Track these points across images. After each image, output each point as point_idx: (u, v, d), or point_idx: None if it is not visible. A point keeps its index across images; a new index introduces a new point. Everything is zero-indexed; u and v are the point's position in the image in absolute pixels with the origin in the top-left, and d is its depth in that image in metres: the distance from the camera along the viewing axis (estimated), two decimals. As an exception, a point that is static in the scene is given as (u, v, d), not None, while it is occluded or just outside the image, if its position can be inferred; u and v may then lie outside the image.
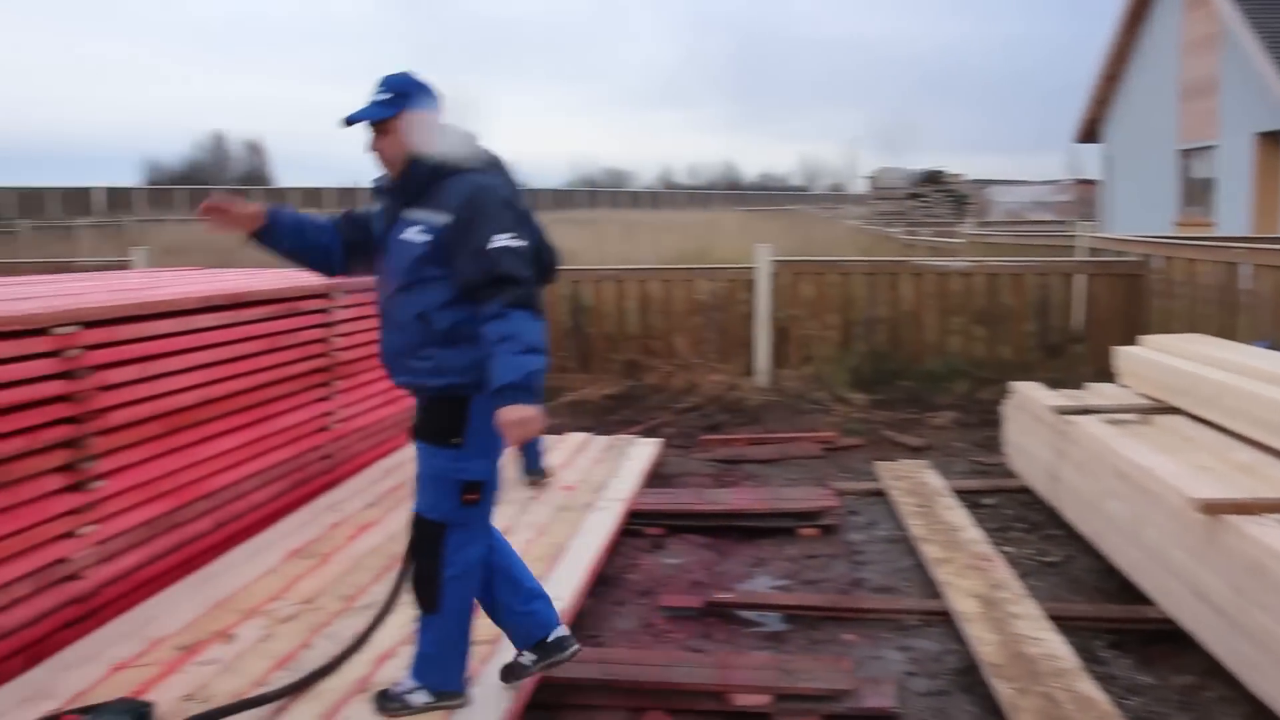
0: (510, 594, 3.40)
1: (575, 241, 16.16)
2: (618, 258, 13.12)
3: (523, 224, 3.13)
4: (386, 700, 3.26)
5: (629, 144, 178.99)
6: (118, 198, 42.49)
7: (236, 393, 5.08)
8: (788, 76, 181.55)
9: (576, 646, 3.45)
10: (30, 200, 40.83)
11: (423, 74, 3.14)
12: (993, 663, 3.91)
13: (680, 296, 9.62)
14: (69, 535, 4.00)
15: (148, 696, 3.30)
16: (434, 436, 3.15)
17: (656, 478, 6.78)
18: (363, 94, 3.13)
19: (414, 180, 3.10)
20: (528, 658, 3.42)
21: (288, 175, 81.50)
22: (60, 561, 3.96)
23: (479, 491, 3.18)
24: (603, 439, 7.31)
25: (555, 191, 60.58)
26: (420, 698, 3.27)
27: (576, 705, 3.71)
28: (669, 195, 68.76)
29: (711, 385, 9.11)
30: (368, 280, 3.37)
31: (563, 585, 4.37)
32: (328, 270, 3.39)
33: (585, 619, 4.49)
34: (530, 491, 5.82)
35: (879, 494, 6.40)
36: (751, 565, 5.28)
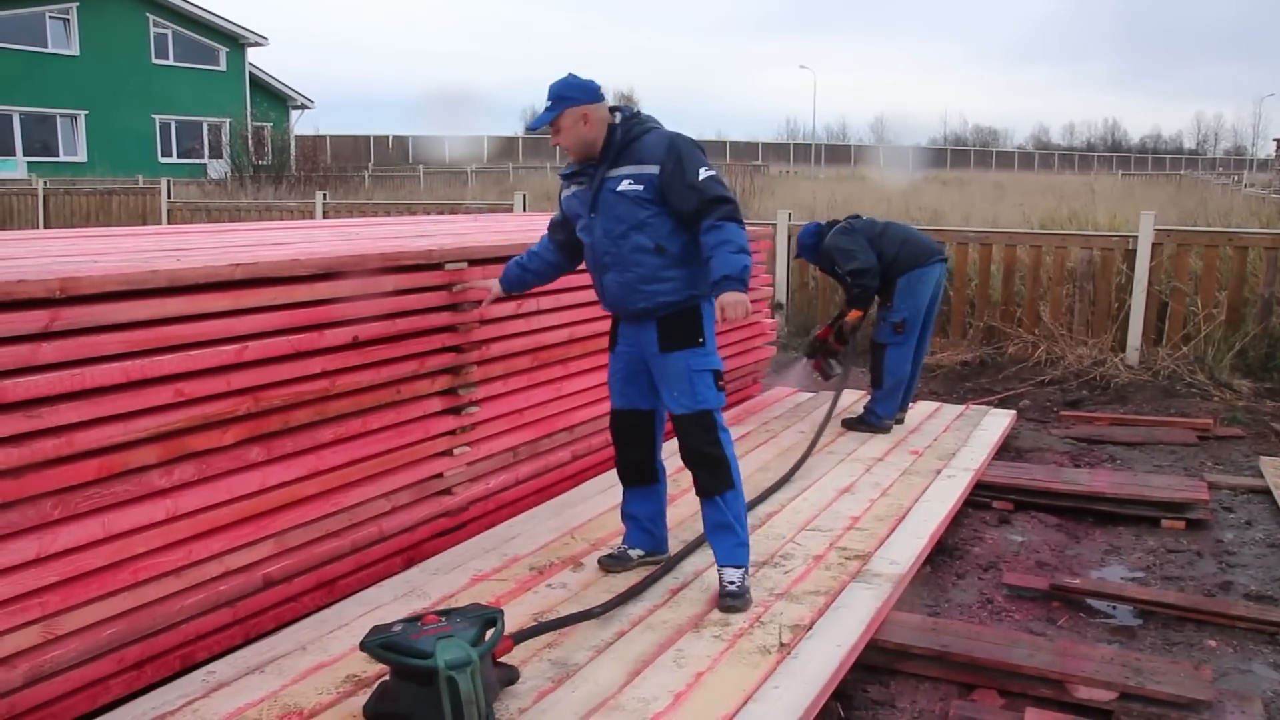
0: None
1: (941, 201, 15.70)
2: (983, 219, 12.58)
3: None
4: (734, 599, 3.65)
5: (1001, 101, 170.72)
6: (501, 146, 45.69)
7: (600, 334, 5.34)
8: (1184, 26, 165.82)
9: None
10: (429, 146, 44.96)
11: (579, 76, 3.71)
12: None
13: (1049, 263, 9.12)
14: (446, 454, 4.40)
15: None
16: (683, 342, 3.70)
17: (1008, 450, 6.52)
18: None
19: (611, 148, 3.67)
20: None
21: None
22: (437, 476, 4.37)
23: (723, 378, 3.78)
24: (954, 406, 7.11)
25: (921, 149, 58.92)
26: (747, 580, 3.74)
27: (906, 673, 3.66)
28: (1043, 156, 65.07)
29: (1075, 359, 8.61)
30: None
31: (901, 549, 4.30)
32: (565, 273, 4.20)
33: (922, 587, 4.41)
34: (877, 453, 5.76)
35: (1261, 492, 5.82)
36: (1105, 552, 4.98)
